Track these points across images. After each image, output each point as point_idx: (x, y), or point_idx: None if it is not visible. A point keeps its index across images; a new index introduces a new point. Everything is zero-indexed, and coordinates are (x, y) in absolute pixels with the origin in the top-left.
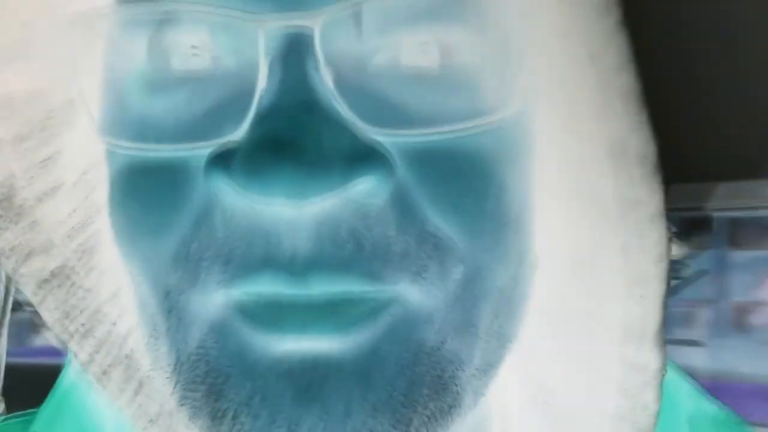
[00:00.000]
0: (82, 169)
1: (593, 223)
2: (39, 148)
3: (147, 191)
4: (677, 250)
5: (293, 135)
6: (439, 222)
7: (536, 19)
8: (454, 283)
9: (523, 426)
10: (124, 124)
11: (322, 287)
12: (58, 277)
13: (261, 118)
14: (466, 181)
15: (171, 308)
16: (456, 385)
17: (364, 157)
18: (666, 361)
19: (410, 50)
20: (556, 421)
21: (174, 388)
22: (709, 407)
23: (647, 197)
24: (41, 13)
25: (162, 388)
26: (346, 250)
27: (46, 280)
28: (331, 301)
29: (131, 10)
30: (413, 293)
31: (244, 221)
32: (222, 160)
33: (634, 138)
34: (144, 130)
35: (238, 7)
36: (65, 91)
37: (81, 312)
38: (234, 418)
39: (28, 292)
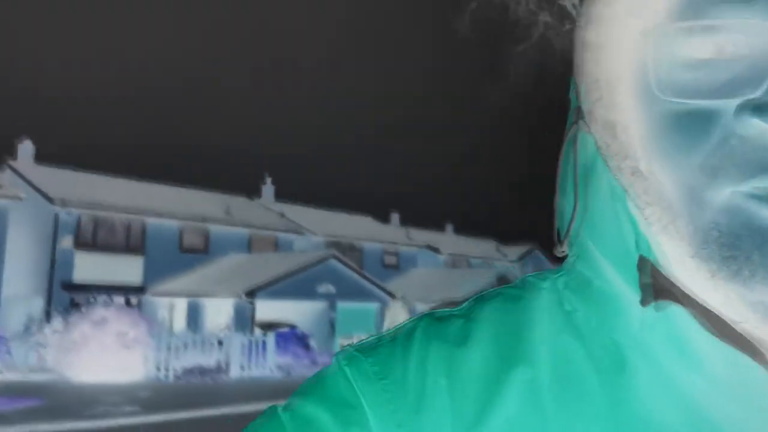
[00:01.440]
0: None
1: None
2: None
3: (682, 126)
4: None
5: None
6: None
7: None
8: None
9: None
10: (673, 87)
11: None
12: (637, 172)
13: None
14: None
15: (692, 198)
16: None
17: None
18: None
19: None
20: None
21: (690, 246)
22: None
23: None
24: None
25: (674, 248)
26: None
27: (633, 173)
28: None
29: (684, 25)
30: None
31: (756, 143)
32: (752, 107)
33: None
34: (682, 91)
35: (760, 18)
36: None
37: (647, 192)
38: (745, 259)
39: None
